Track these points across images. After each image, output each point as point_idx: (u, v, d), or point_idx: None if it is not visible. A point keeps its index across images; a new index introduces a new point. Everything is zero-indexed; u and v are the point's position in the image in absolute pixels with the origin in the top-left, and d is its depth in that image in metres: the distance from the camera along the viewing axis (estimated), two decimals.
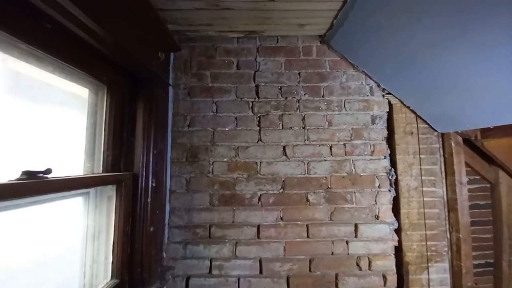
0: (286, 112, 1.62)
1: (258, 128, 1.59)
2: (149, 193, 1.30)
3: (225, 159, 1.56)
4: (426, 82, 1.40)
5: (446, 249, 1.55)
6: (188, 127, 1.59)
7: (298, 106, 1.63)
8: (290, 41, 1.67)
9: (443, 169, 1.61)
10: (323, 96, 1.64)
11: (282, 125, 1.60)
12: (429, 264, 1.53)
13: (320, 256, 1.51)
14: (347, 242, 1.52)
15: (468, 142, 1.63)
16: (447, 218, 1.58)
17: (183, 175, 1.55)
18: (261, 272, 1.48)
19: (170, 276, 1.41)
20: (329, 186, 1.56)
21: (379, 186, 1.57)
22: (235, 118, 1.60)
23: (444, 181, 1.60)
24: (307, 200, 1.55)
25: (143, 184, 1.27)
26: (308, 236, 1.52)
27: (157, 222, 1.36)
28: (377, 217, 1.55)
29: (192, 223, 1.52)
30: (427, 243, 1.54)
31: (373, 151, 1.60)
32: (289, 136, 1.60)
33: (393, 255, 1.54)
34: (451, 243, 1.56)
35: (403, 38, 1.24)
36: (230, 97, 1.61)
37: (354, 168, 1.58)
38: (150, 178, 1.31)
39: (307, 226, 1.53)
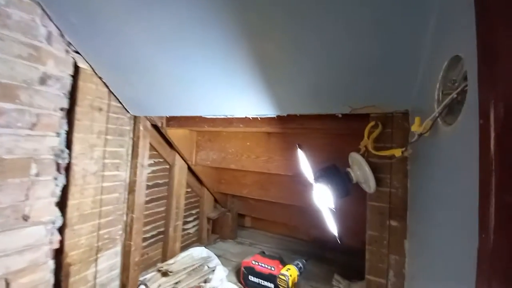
0: None
1: None
2: None
3: None
4: (121, 55, 1.22)
5: (120, 232, 1.54)
6: None
7: None
8: None
9: (130, 152, 1.59)
10: None
11: None
12: (99, 255, 1.40)
13: None
14: None
15: (157, 128, 1.80)
16: (126, 200, 1.58)
17: None
18: None
19: None
20: None
21: (37, 174, 1.11)
22: None
23: (129, 164, 1.58)
24: None
25: None
26: None
27: None
28: (25, 219, 1.07)
29: None
30: (100, 232, 1.40)
31: (36, 124, 1.10)
32: None
33: (50, 262, 1.18)
34: (126, 224, 1.58)
35: None
36: None
37: None
38: None
39: None
